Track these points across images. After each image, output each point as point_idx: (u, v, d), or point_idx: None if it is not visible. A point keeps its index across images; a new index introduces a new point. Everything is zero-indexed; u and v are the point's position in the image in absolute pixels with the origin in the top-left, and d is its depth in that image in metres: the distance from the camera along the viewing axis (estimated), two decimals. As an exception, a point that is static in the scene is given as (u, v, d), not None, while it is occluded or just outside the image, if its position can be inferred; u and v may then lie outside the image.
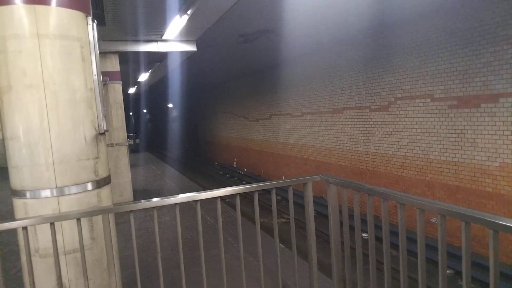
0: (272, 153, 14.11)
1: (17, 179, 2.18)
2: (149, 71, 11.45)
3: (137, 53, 7.75)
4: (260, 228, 2.42)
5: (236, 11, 5.99)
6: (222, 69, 14.41)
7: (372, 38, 8.30)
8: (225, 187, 2.25)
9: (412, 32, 7.28)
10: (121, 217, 5.58)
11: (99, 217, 2.20)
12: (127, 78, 13.62)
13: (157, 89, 19.87)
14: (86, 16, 2.33)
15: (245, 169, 16.79)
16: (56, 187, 2.17)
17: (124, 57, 8.19)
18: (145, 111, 38.97)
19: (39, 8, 2.09)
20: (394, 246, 5.14)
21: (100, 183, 2.37)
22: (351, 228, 2.26)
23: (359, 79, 8.91)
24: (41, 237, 2.16)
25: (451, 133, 6.67)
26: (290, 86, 12.24)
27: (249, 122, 16.05)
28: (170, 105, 30.56)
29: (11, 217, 2.19)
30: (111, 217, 2.27)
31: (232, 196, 2.24)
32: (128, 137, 8.41)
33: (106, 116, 2.56)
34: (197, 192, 2.16)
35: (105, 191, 2.42)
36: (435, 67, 6.87)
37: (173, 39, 7.10)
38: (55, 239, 1.87)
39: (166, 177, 11.72)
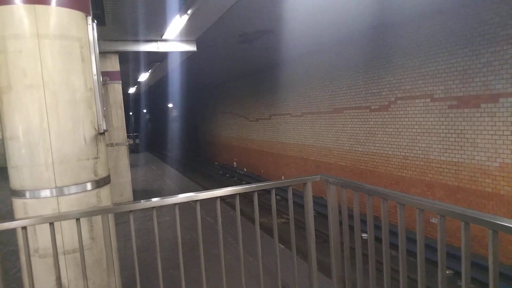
0: (272, 153, 14.12)
1: (16, 179, 2.18)
2: (149, 71, 11.45)
3: (137, 53, 7.75)
4: (260, 228, 2.42)
5: (236, 11, 6.00)
6: (222, 69, 14.41)
7: (372, 38, 8.30)
8: (225, 187, 2.25)
9: (412, 32, 7.28)
10: (121, 217, 5.57)
11: (99, 217, 2.20)
12: (127, 78, 13.61)
13: (157, 89, 19.87)
14: (86, 16, 2.33)
15: (245, 169, 16.79)
16: (56, 187, 2.17)
17: (124, 57, 8.19)
18: (145, 111, 38.96)
19: (39, 8, 2.09)
20: (394, 246, 5.11)
21: (99, 183, 2.37)
22: (351, 228, 2.26)
23: (359, 79, 8.91)
24: (41, 237, 2.16)
25: (451, 133, 6.67)
26: (290, 86, 12.24)
27: (249, 122, 16.05)
28: (170, 105, 30.56)
29: (10, 217, 2.19)
30: (111, 217, 2.27)
31: (231, 196, 2.24)
32: (128, 137, 8.41)
33: (106, 116, 2.56)
34: (197, 192, 2.16)
35: (104, 191, 2.42)
36: (435, 67, 6.87)
37: (173, 39, 7.10)
38: (55, 239, 1.87)
39: (166, 177, 11.72)
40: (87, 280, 1.98)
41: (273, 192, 2.37)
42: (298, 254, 2.72)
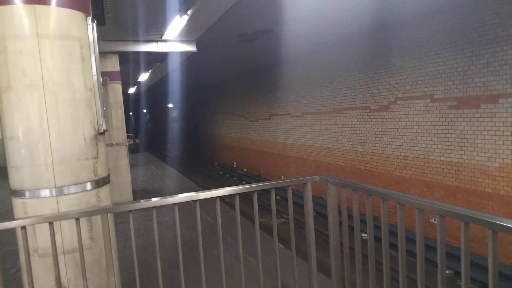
0: (272, 153, 14.12)
1: (16, 179, 2.18)
2: (149, 71, 11.45)
3: (137, 53, 7.75)
4: (260, 228, 2.42)
5: (236, 11, 6.00)
6: (222, 69, 14.41)
7: (372, 38, 8.31)
8: (225, 187, 2.25)
9: (412, 32, 7.29)
10: (120, 217, 5.58)
11: (98, 217, 2.20)
12: (127, 78, 13.62)
13: (157, 89, 19.88)
14: (86, 16, 2.33)
15: (244, 169, 16.79)
16: (55, 187, 2.17)
17: (124, 57, 8.19)
18: (145, 111, 38.96)
19: (39, 8, 2.09)
20: (393, 246, 5.11)
21: (99, 183, 2.37)
22: (351, 228, 2.26)
23: (359, 79, 8.92)
24: (40, 237, 2.16)
25: (451, 134, 6.67)
26: (290, 86, 12.24)
27: (249, 122, 16.05)
28: (170, 105, 30.56)
29: (10, 216, 2.19)
30: (110, 217, 2.27)
31: (231, 196, 2.25)
32: (127, 137, 8.40)
33: (106, 116, 2.56)
34: (197, 192, 2.16)
35: (104, 191, 2.42)
36: (435, 67, 6.87)
37: (173, 39, 7.11)
38: (54, 239, 1.87)
39: (165, 177, 11.72)
40: (86, 280, 1.98)
41: (273, 192, 2.37)
42: (298, 254, 2.72)
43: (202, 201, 2.16)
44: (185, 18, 5.54)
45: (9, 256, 4.56)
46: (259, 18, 7.05)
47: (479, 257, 5.95)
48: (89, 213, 1.98)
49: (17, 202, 2.19)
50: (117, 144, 7.62)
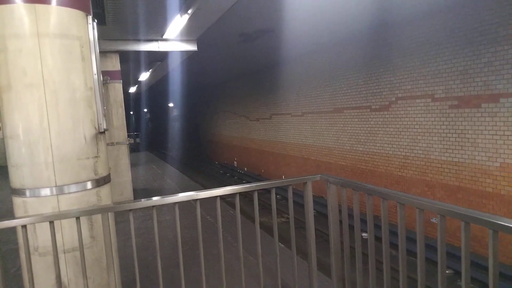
0: (272, 152, 14.12)
1: (16, 178, 2.18)
2: (150, 70, 11.46)
3: (137, 53, 7.75)
4: (260, 228, 2.42)
5: (237, 10, 5.99)
6: (222, 69, 14.41)
7: (372, 37, 8.30)
8: (225, 186, 2.25)
9: (412, 32, 7.27)
10: (121, 216, 5.59)
11: (99, 216, 2.20)
12: (128, 78, 13.62)
13: (158, 88, 19.88)
14: (86, 15, 2.33)
15: (245, 169, 16.80)
16: (56, 186, 2.17)
17: (124, 56, 8.19)
18: (145, 110, 38.97)
19: (39, 7, 2.09)
20: (394, 246, 5.10)
21: (99, 182, 2.37)
22: (351, 227, 2.26)
23: (360, 78, 8.91)
24: (41, 236, 2.16)
25: (452, 133, 6.66)
26: (290, 86, 12.23)
27: (250, 121, 16.05)
28: (171, 105, 30.56)
29: (10, 215, 2.19)
30: (111, 216, 2.27)
31: (231, 195, 2.24)
32: (128, 136, 8.41)
33: (106, 115, 2.56)
34: (197, 191, 2.16)
35: (104, 190, 2.42)
36: (435, 67, 6.86)
37: (174, 38, 7.10)
38: (55, 238, 1.87)
39: (166, 176, 11.73)
40: (87, 278, 1.98)
41: (273, 191, 2.37)
42: (298, 253, 2.72)
43: (203, 200, 2.16)
44: (186, 17, 5.54)
45: (9, 255, 4.56)
46: (260, 18, 7.05)
47: (480, 257, 5.95)
48: (89, 212, 1.98)
49: (17, 201, 2.20)
50: (117, 143, 7.62)
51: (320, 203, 9.43)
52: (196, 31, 6.60)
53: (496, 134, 5.93)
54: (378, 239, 2.65)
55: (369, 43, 8.45)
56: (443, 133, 6.82)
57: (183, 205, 2.32)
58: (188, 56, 8.93)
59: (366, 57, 8.63)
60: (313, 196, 2.54)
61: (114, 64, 7.48)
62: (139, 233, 5.53)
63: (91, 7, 2.42)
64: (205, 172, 19.10)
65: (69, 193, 2.21)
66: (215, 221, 5.90)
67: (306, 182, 2.45)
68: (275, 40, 9.00)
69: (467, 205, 6.37)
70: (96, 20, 2.41)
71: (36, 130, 2.13)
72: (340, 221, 2.39)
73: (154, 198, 2.07)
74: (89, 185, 2.30)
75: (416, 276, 1.79)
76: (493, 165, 6.01)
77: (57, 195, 2.17)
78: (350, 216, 2.23)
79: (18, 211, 2.21)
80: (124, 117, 7.79)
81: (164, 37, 6.97)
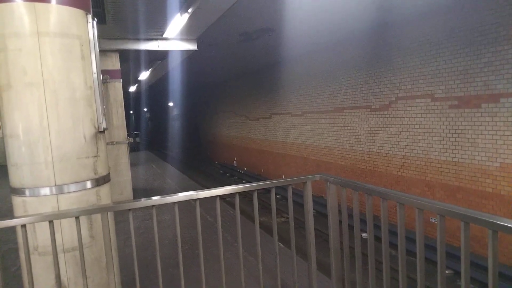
0: (272, 152, 14.11)
1: (16, 177, 2.18)
2: (150, 69, 11.45)
3: (137, 52, 7.74)
4: (260, 227, 2.41)
5: (237, 9, 5.99)
6: (223, 68, 14.40)
7: (372, 37, 8.29)
8: (225, 186, 2.25)
9: (412, 32, 7.27)
10: (120, 216, 5.58)
11: (98, 215, 2.20)
12: (128, 77, 13.61)
13: (158, 87, 19.87)
14: (86, 14, 2.32)
15: (245, 168, 16.80)
16: (56, 185, 2.17)
17: (124, 55, 8.18)
18: (145, 109, 38.95)
19: (39, 6, 2.08)
20: (393, 246, 5.09)
21: (99, 181, 2.37)
22: (351, 227, 2.25)
23: (360, 78, 8.90)
24: (40, 235, 2.16)
25: (452, 133, 6.66)
26: (290, 86, 12.23)
27: (250, 121, 16.04)
28: (171, 104, 30.55)
29: (10, 215, 2.19)
30: (110, 216, 2.27)
31: (231, 195, 2.24)
32: (128, 135, 8.40)
33: (106, 114, 2.56)
34: (197, 191, 2.16)
35: (104, 189, 2.42)
36: (435, 66, 6.86)
37: (174, 37, 7.10)
38: (54, 237, 1.86)
39: (166, 176, 11.73)
40: (86, 278, 1.98)
41: (273, 191, 2.37)
42: (297, 253, 2.72)
43: (202, 200, 2.16)
44: (186, 16, 5.53)
45: (9, 254, 4.56)
46: (260, 17, 7.04)
47: (479, 257, 5.95)
48: (89, 212, 1.98)
49: (17, 200, 2.19)
50: (117, 142, 7.62)
51: (320, 203, 9.43)
52: (196, 30, 6.59)
53: (496, 134, 5.93)
54: (377, 239, 2.65)
55: (369, 43, 8.45)
56: (443, 133, 6.82)
57: (182, 205, 2.32)
58: (188, 56, 8.92)
59: (366, 56, 8.62)
60: (313, 196, 2.54)
61: (114, 63, 7.48)
62: (138, 232, 5.53)
63: (91, 6, 2.42)
64: (205, 172, 19.10)
65: (69, 192, 2.21)
66: (215, 221, 5.90)
67: (305, 182, 2.45)
68: (275, 39, 9.00)
69: (466, 205, 6.37)
70: (96, 19, 2.41)
71: (36, 129, 2.12)
72: (340, 221, 2.39)
73: (154, 198, 2.07)
74: (88, 184, 2.29)
75: (416, 276, 1.79)
76: (493, 165, 6.01)
77: (56, 194, 2.17)
78: (350, 216, 2.23)
79: (17, 211, 2.21)
80: (124, 116, 7.79)
81: (164, 36, 6.96)
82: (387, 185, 8.17)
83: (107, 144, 5.67)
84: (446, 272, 5.17)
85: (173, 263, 4.05)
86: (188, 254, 4.46)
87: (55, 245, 1.87)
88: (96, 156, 2.35)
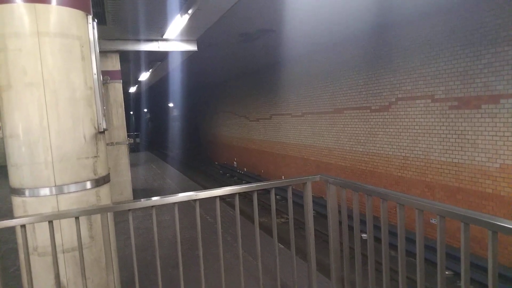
0: (272, 153, 14.11)
1: (16, 177, 2.18)
2: (150, 70, 11.45)
3: (138, 52, 7.75)
4: (260, 228, 2.41)
5: (237, 10, 5.99)
6: (223, 69, 14.41)
7: (373, 38, 8.30)
8: (225, 186, 2.25)
9: (412, 32, 7.27)
10: (120, 216, 5.58)
11: (98, 215, 2.20)
12: (128, 77, 13.62)
13: (158, 88, 19.88)
14: (86, 15, 2.33)
15: (245, 169, 16.79)
16: (55, 186, 2.17)
17: (125, 56, 8.19)
18: (145, 110, 38.96)
19: (39, 6, 2.09)
20: (393, 246, 5.09)
21: (99, 182, 2.37)
22: (350, 228, 2.25)
23: (360, 79, 8.91)
24: (40, 236, 2.16)
25: (452, 134, 6.66)
26: (290, 86, 12.23)
27: (250, 122, 16.05)
28: (171, 105, 30.56)
29: (10, 215, 2.19)
30: (110, 216, 2.27)
31: (231, 196, 2.24)
32: (128, 136, 8.40)
33: (106, 115, 2.56)
34: (196, 191, 2.16)
35: (104, 189, 2.42)
36: (435, 67, 6.86)
37: (174, 38, 7.10)
38: (54, 238, 1.86)
39: (166, 176, 11.73)
40: (86, 278, 1.98)
41: (273, 191, 2.37)
42: (297, 254, 2.72)
43: (202, 200, 2.16)
44: (186, 17, 5.54)
45: (8, 255, 4.56)
46: (260, 18, 7.05)
47: (479, 258, 5.95)
48: (88, 212, 1.98)
49: (16, 200, 2.19)
50: (117, 143, 7.62)
51: (320, 203, 9.43)
52: (196, 31, 6.60)
53: (496, 135, 5.93)
54: (377, 240, 2.65)
55: (369, 44, 8.45)
56: (443, 134, 6.82)
57: (182, 205, 2.32)
58: (188, 56, 8.93)
59: (366, 57, 8.63)
60: (313, 196, 2.54)
61: (114, 64, 7.48)
62: (138, 233, 5.52)
63: (91, 6, 2.42)
64: (205, 172, 19.10)
65: (69, 192, 2.21)
66: (215, 221, 5.90)
67: (305, 183, 2.45)
68: (275, 40, 9.01)
69: (466, 206, 6.37)
70: (96, 20, 2.42)
71: (36, 130, 2.12)
72: (340, 222, 2.39)
73: (154, 198, 2.07)
74: (88, 185, 2.29)
75: (416, 277, 1.78)
76: (493, 166, 6.01)
77: (56, 195, 2.17)
78: (350, 216, 2.23)
79: (17, 211, 2.21)
80: (124, 117, 7.79)
81: (164, 37, 6.97)
82: (387, 186, 8.17)
83: (107, 144, 5.67)
84: (446, 273, 5.17)
85: (172, 263, 4.05)
86: (188, 254, 4.45)
87: (55, 246, 1.87)
88: (96, 156, 2.35)
